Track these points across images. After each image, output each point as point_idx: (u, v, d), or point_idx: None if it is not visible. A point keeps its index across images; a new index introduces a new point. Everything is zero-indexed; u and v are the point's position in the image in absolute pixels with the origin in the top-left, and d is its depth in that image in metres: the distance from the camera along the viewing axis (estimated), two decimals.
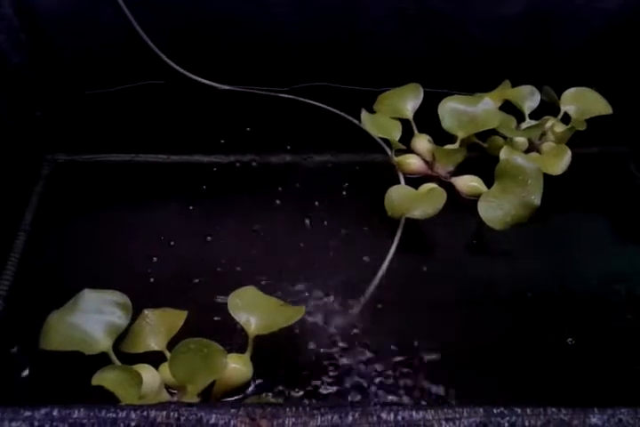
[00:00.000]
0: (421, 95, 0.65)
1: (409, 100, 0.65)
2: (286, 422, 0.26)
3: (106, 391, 0.42)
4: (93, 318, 0.45)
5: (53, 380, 0.50)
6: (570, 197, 0.64)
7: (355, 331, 0.53)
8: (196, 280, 0.56)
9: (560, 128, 0.64)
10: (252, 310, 0.48)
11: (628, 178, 0.67)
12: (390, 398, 0.48)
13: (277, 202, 0.64)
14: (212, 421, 0.25)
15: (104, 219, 0.63)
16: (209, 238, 0.60)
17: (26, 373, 0.50)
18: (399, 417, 0.27)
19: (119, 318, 0.46)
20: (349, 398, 0.48)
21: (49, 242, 0.61)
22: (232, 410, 0.26)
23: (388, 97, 0.67)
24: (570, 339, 0.53)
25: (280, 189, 0.65)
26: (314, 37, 0.69)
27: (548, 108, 0.67)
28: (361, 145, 0.68)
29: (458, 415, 0.27)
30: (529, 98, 0.65)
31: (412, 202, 0.59)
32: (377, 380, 0.50)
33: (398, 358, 0.51)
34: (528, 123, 0.65)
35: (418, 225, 0.60)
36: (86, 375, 0.44)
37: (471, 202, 0.60)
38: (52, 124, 0.71)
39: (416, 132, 0.66)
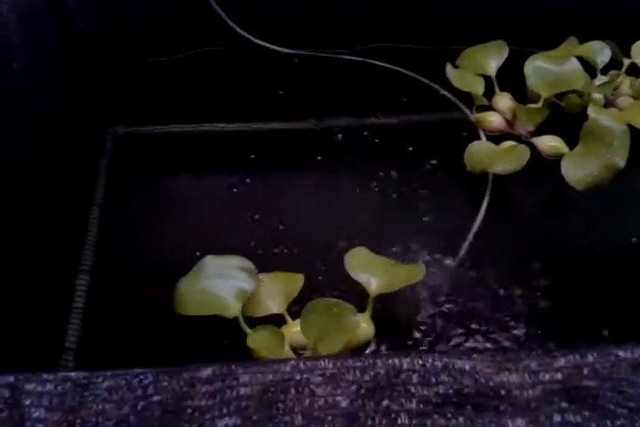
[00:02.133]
0: (506, 53, 0.64)
1: (493, 58, 0.64)
2: (531, 365, 0.26)
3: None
4: (222, 283, 0.44)
5: (161, 353, 0.49)
6: None
7: (459, 285, 0.53)
8: (278, 248, 0.55)
9: (639, 82, 0.64)
10: (370, 270, 0.48)
11: None
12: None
13: (353, 166, 0.62)
14: (459, 365, 0.25)
15: (174, 189, 0.62)
16: (289, 204, 0.59)
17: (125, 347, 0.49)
18: (636, 354, 0.27)
19: (246, 283, 0.45)
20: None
21: (123, 215, 0.59)
22: (474, 355, 0.25)
23: (471, 53, 0.66)
24: None
25: (354, 152, 0.63)
26: None
27: (610, 62, 0.66)
28: (434, 104, 0.67)
29: None
30: (600, 53, 0.65)
31: (492, 157, 0.58)
32: (497, 330, 0.50)
33: (513, 307, 0.51)
34: (600, 79, 0.65)
35: (500, 183, 0.60)
36: (208, 341, 0.45)
37: (551, 162, 0.60)
38: (113, 94, 0.69)
39: (497, 90, 0.65)
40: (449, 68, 0.64)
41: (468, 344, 0.48)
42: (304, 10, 0.69)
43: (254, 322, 0.47)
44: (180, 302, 0.44)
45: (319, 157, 0.63)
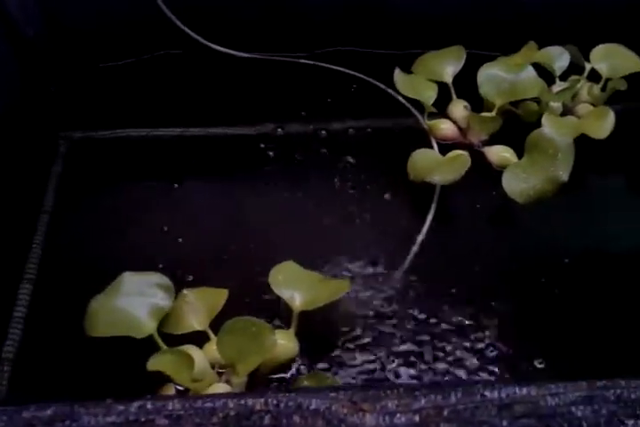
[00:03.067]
0: (463, 59, 0.63)
1: (449, 64, 0.63)
2: (389, 404, 0.25)
3: (154, 375, 0.41)
4: (137, 301, 0.44)
5: (101, 366, 0.48)
6: (597, 158, 0.61)
7: (396, 302, 0.52)
8: (227, 257, 0.55)
9: (598, 89, 0.62)
10: (295, 286, 0.47)
11: None
12: (441, 368, 0.47)
13: (303, 172, 0.62)
14: (313, 406, 0.24)
15: (126, 196, 0.61)
16: (234, 212, 0.58)
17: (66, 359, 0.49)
18: (503, 395, 0.26)
19: (162, 300, 0.44)
20: (396, 370, 0.47)
21: (72, 222, 0.59)
22: (332, 394, 0.25)
23: (428, 59, 0.64)
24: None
25: (305, 158, 0.63)
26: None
27: (570, 67, 0.64)
28: (390, 110, 0.65)
29: (562, 390, 0.26)
30: (558, 59, 0.63)
31: (433, 167, 0.57)
32: (425, 352, 0.49)
33: (443, 329, 0.50)
34: (559, 85, 0.63)
35: (447, 193, 0.59)
36: (133, 358, 0.43)
37: (500, 173, 0.58)
38: (65, 99, 0.68)
39: (454, 97, 0.63)
40: (397, 74, 0.63)
41: (396, 363, 0.48)
42: (261, 13, 0.68)
43: (176, 340, 0.46)
44: (90, 323, 0.43)
45: (276, 163, 0.62)
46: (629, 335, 0.50)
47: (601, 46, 0.64)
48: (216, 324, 0.46)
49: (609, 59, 0.63)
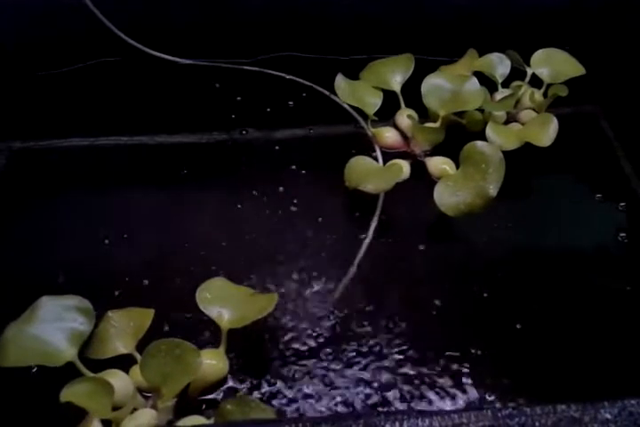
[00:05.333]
0: (412, 68, 0.62)
1: (398, 72, 0.61)
2: None
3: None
4: (54, 326, 0.41)
5: (18, 399, 0.45)
6: (542, 162, 0.61)
7: (332, 317, 0.50)
8: (162, 273, 0.53)
9: (540, 96, 0.62)
10: (223, 303, 0.45)
11: (602, 138, 0.65)
12: (368, 392, 0.46)
13: (244, 181, 0.60)
14: None
15: (66, 209, 0.58)
16: (173, 226, 0.56)
17: None
18: (405, 426, 0.25)
19: (82, 324, 0.42)
20: (327, 391, 0.46)
21: (9, 237, 0.56)
22: None
23: (377, 66, 0.63)
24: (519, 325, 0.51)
25: (248, 166, 0.61)
26: (277, 4, 0.65)
27: (513, 72, 0.63)
28: (336, 117, 0.64)
29: (466, 420, 0.25)
30: (499, 66, 0.62)
31: (367, 175, 0.56)
32: (357, 371, 0.47)
33: (377, 349, 0.48)
34: (501, 92, 0.63)
35: (385, 205, 0.56)
36: (54, 389, 0.40)
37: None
38: (3, 109, 0.66)
39: (402, 105, 0.62)
40: (339, 80, 0.61)
41: (328, 386, 0.46)
42: (201, 18, 0.66)
43: (102, 365, 0.44)
44: (2, 353, 0.40)
45: (220, 171, 0.61)
46: (571, 347, 0.49)
47: (541, 51, 0.63)
48: (143, 345, 0.44)
49: (549, 64, 0.63)
